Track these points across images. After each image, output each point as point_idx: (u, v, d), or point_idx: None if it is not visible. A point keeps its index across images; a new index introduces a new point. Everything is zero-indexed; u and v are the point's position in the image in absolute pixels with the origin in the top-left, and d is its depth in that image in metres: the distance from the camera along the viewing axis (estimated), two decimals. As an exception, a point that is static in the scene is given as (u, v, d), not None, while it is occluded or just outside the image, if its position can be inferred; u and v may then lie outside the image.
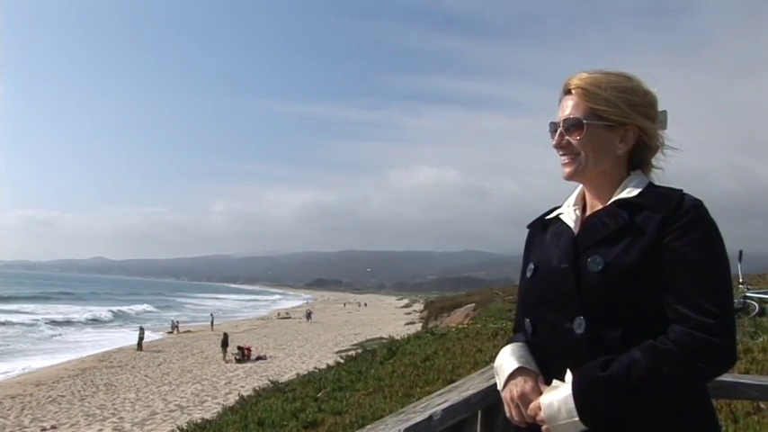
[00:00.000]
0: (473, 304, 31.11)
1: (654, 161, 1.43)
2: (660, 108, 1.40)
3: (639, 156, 1.40)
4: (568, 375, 1.25)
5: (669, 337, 1.19)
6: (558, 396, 1.24)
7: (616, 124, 1.35)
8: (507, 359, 1.40)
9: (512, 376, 1.36)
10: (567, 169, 1.38)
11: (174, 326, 42.29)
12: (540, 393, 1.30)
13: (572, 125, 1.36)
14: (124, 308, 62.88)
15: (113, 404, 16.30)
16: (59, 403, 16.54)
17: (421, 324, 36.95)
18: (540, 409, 1.27)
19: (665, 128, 1.40)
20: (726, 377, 1.91)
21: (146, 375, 21.59)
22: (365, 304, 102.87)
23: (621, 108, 1.34)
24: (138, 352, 28.71)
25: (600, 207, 1.39)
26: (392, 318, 57.28)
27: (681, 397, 1.21)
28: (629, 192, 1.34)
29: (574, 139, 1.37)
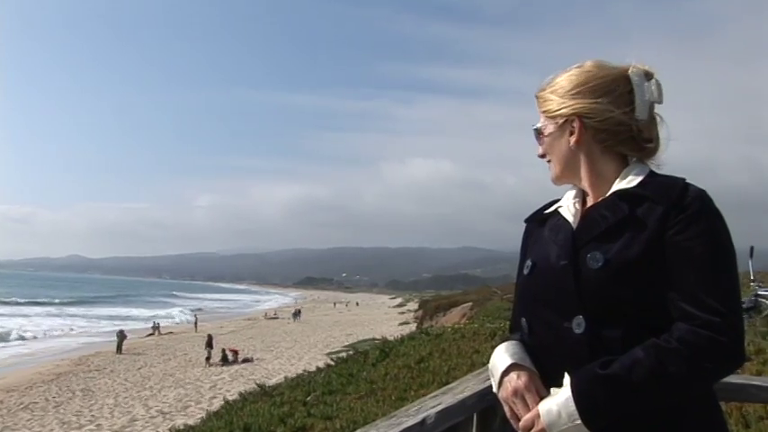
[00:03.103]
0: (470, 303, 31.32)
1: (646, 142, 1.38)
2: (649, 85, 1.36)
3: (605, 140, 1.37)
4: (566, 379, 1.24)
5: (673, 335, 1.18)
6: (558, 400, 1.23)
7: (559, 118, 1.39)
8: (500, 357, 1.39)
9: (505, 373, 1.35)
10: (550, 175, 1.46)
11: (155, 327, 42.19)
12: (536, 390, 1.29)
13: (536, 136, 1.47)
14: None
15: (91, 411, 16.25)
16: (32, 411, 16.46)
17: (415, 324, 37.12)
18: (538, 417, 1.25)
19: (657, 100, 1.37)
20: (736, 379, 1.92)
21: (125, 380, 21.54)
22: (357, 303, 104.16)
23: (557, 99, 1.39)
24: (118, 355, 28.65)
25: (600, 199, 1.38)
26: (385, 317, 57.42)
27: (686, 398, 1.21)
28: (630, 181, 1.33)
29: (541, 148, 1.46)
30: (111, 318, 55.17)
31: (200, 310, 69.85)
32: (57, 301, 77.88)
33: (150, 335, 40.28)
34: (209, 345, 26.57)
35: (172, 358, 27.64)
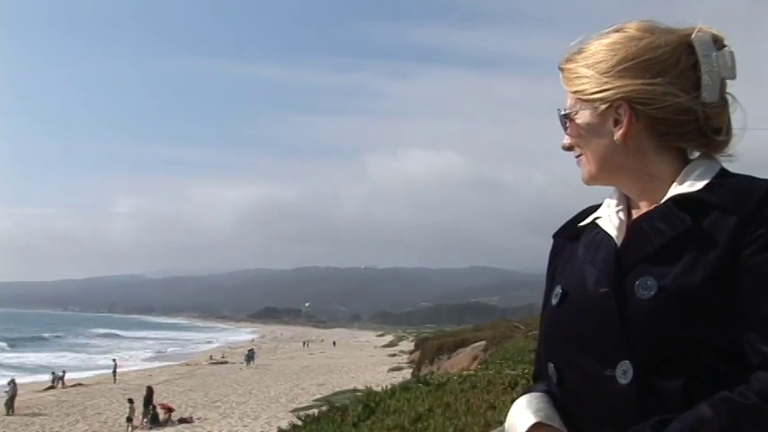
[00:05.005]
0: (483, 342, 31.65)
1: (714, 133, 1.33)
2: (719, 52, 1.30)
3: (664, 134, 1.33)
4: (608, 444, 1.24)
5: (752, 388, 1.17)
6: None
7: (599, 102, 1.34)
8: (521, 414, 1.38)
9: None
10: (582, 174, 1.43)
11: (58, 378, 41.87)
12: None
13: (562, 123, 1.43)
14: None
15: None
16: None
17: (410, 370, 37.58)
18: None
19: (730, 75, 1.32)
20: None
21: (15, 450, 21.34)
22: (333, 343, 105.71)
23: (596, 77, 1.34)
24: (6, 417, 28.36)
25: (652, 207, 1.35)
26: (370, 361, 57.73)
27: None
28: (692, 184, 1.31)
29: (570, 138, 1.42)
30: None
31: (125, 352, 69.62)
32: None
33: (50, 388, 40.06)
34: (148, 401, 26.48)
35: (80, 419, 27.50)
